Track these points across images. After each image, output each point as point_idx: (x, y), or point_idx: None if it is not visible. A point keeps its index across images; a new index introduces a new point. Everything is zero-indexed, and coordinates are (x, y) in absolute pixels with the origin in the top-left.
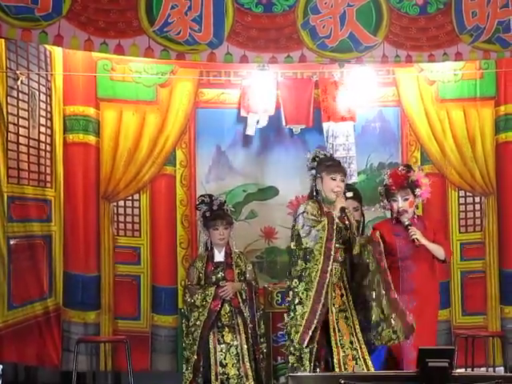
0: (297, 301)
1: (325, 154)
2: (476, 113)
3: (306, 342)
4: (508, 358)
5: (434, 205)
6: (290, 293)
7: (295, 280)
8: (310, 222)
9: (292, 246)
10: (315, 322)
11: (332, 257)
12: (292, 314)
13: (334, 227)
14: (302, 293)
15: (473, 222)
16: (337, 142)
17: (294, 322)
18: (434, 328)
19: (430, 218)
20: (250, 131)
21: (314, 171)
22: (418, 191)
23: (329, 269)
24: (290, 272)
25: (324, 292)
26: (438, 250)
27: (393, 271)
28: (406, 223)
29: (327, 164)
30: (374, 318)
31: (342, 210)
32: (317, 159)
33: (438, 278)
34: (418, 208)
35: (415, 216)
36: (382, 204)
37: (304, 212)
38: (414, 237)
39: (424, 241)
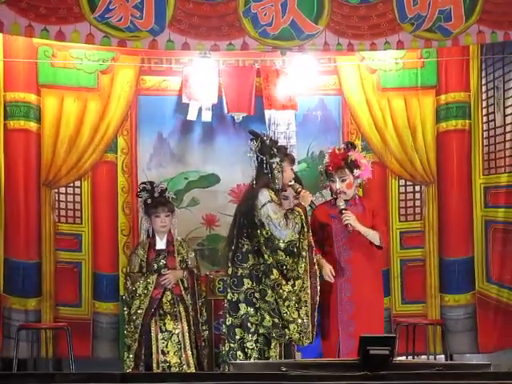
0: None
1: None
2: (417, 102)
3: None
4: (448, 345)
5: (374, 193)
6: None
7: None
8: (281, 212)
9: (244, 235)
10: None
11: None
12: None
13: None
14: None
15: (413, 210)
16: (278, 129)
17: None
18: (380, 316)
19: (370, 200)
20: (192, 116)
21: (277, 159)
22: (356, 172)
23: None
24: (242, 259)
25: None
26: (373, 236)
27: (330, 255)
28: (341, 207)
29: (286, 153)
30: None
31: (312, 203)
32: (275, 146)
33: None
34: (360, 187)
35: (356, 197)
36: (321, 184)
37: (271, 201)
38: (346, 222)
39: (359, 226)
